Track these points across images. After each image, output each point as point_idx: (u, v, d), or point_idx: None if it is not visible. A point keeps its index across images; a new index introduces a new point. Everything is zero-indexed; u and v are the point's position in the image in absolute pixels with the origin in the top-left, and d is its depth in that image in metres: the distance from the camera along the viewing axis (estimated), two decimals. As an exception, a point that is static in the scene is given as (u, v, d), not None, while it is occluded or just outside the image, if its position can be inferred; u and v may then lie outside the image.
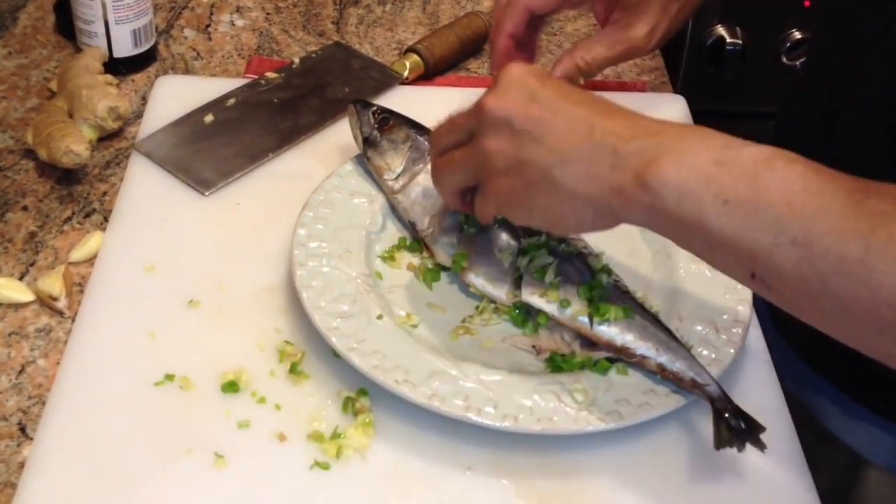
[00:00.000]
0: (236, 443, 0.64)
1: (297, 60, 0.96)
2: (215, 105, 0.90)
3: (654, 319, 0.68)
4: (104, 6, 0.91)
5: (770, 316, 0.80)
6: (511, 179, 0.60)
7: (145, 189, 0.82)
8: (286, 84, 0.93)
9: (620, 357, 0.67)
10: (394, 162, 0.78)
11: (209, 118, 0.88)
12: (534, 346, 0.70)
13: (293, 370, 0.68)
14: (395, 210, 0.79)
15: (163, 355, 0.69)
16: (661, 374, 0.66)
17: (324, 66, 0.96)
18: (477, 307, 0.73)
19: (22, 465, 0.63)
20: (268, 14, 1.05)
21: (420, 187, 0.77)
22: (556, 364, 0.68)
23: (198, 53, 1.00)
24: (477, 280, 0.72)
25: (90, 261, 0.77)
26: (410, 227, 0.77)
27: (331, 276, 0.71)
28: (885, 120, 0.68)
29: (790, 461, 0.65)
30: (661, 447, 0.65)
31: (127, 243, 0.77)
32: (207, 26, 1.03)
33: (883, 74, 0.68)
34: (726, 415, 0.63)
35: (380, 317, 0.69)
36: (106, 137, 0.88)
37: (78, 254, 0.78)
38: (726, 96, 1.20)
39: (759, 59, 1.15)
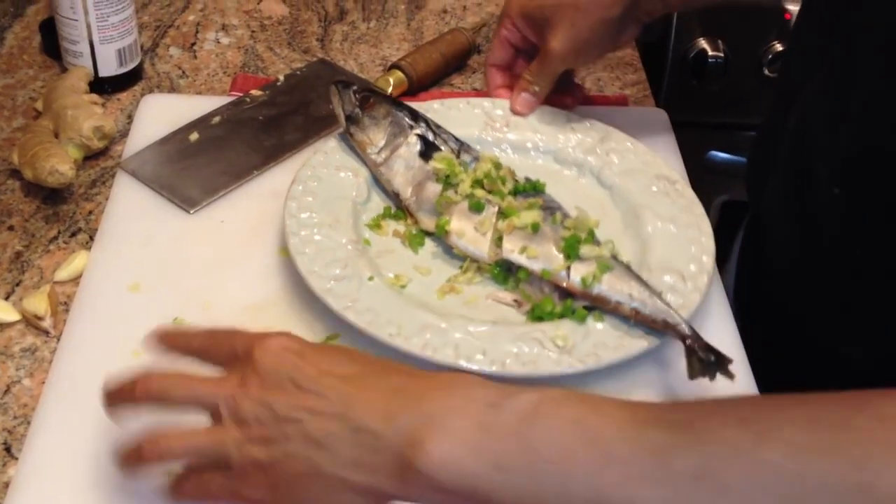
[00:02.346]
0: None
1: (281, 78, 0.97)
2: (200, 123, 0.90)
3: (627, 269, 0.72)
4: (89, 26, 0.92)
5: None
6: (276, 477, 0.53)
7: (130, 208, 0.82)
8: (271, 101, 0.94)
9: (597, 305, 0.71)
10: (376, 137, 0.82)
11: (194, 136, 0.89)
12: (515, 301, 0.74)
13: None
14: (378, 182, 0.82)
15: (147, 374, 0.69)
16: (635, 319, 0.70)
17: (308, 83, 0.96)
18: (461, 267, 0.77)
19: (7, 485, 0.64)
20: (253, 32, 1.06)
21: (402, 160, 0.81)
22: (537, 315, 0.72)
23: (183, 72, 1.00)
24: (460, 242, 0.76)
25: (76, 280, 0.77)
26: (394, 196, 0.81)
27: (322, 243, 0.75)
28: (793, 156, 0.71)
29: (747, 390, 0.70)
30: (637, 385, 0.70)
31: (112, 262, 0.77)
32: (193, 44, 1.04)
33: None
34: (697, 350, 0.67)
35: (371, 278, 0.73)
36: (92, 156, 0.89)
37: (63, 273, 0.78)
38: (710, 108, 1.21)
39: (742, 72, 1.17)
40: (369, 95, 0.84)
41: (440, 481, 0.49)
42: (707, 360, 0.67)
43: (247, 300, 0.75)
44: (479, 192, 0.77)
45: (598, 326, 0.71)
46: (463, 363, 0.68)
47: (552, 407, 0.49)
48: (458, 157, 0.82)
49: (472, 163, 0.82)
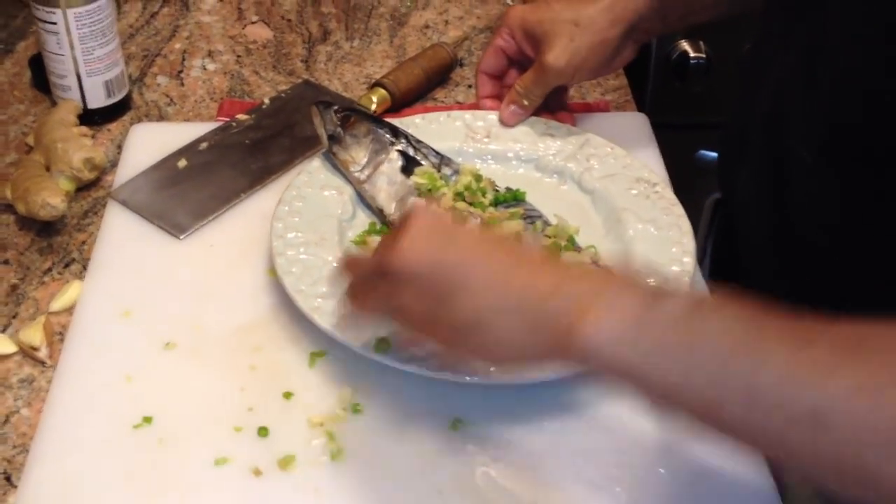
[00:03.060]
0: (213, 479, 0.66)
1: (267, 101, 0.98)
2: (188, 149, 0.92)
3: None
4: (75, 60, 0.94)
5: None
6: (435, 331, 0.59)
7: (122, 236, 0.84)
8: (257, 125, 0.95)
9: None
10: (358, 155, 0.84)
11: (182, 163, 0.91)
12: None
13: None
14: (362, 199, 0.84)
15: (140, 398, 0.71)
16: None
17: (293, 105, 0.98)
18: None
19: (7, 514, 0.65)
20: (238, 56, 1.08)
21: (384, 176, 0.83)
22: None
23: (171, 99, 1.02)
24: None
25: (70, 310, 0.79)
26: (378, 212, 0.83)
27: (309, 262, 0.77)
28: (766, 139, 0.72)
29: None
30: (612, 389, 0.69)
31: (104, 290, 0.79)
32: (180, 72, 1.06)
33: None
34: None
35: None
36: (83, 187, 0.91)
37: (58, 303, 0.80)
38: (694, 109, 1.22)
39: (724, 72, 1.18)
40: (350, 114, 0.86)
41: (599, 358, 0.52)
42: None
43: (237, 321, 0.76)
44: (461, 205, 0.79)
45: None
46: (448, 374, 0.69)
47: (714, 307, 0.51)
48: (438, 170, 0.83)
49: (453, 176, 0.83)
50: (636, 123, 0.95)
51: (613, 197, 0.83)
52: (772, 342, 0.48)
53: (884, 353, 0.47)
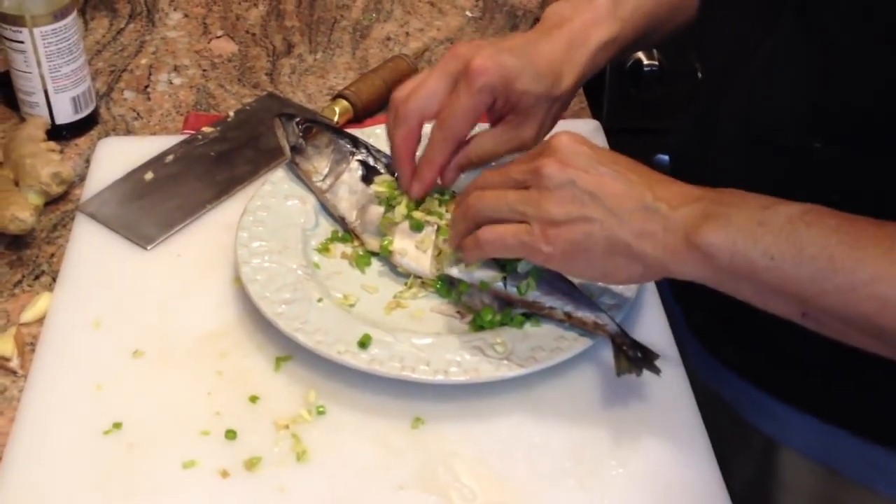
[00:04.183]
0: (181, 482, 0.68)
1: (232, 114, 1.01)
2: (155, 162, 0.94)
3: (559, 276, 0.76)
4: (42, 78, 0.96)
5: (683, 316, 0.85)
6: (571, 233, 0.66)
7: (90, 248, 0.86)
8: (222, 137, 0.98)
9: (533, 311, 0.76)
10: (320, 165, 0.86)
11: (149, 175, 0.93)
12: (458, 312, 0.79)
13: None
14: (325, 208, 0.87)
15: (110, 405, 0.73)
16: (569, 321, 0.75)
17: (257, 117, 1.00)
18: (406, 284, 0.81)
19: (-19, 520, 0.67)
20: (204, 70, 1.10)
21: (345, 185, 0.86)
22: (479, 324, 0.77)
23: (138, 114, 1.04)
24: (403, 260, 0.80)
25: (41, 321, 0.81)
26: (340, 221, 0.86)
27: (273, 269, 0.79)
28: (750, 135, 0.75)
29: (677, 383, 0.75)
30: (576, 382, 0.75)
31: (74, 301, 0.81)
32: (146, 87, 1.08)
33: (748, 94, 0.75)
34: (625, 347, 0.72)
35: (320, 300, 0.77)
36: (52, 201, 0.93)
37: (28, 315, 0.82)
38: (650, 115, 1.26)
39: (677, 78, 1.21)
40: (311, 126, 0.88)
41: (717, 260, 0.62)
42: (634, 357, 0.71)
43: (203, 328, 0.79)
44: (417, 214, 0.81)
45: (536, 331, 0.75)
46: (409, 374, 0.72)
47: (818, 217, 0.60)
48: (397, 178, 0.86)
49: (412, 183, 0.86)
50: (589, 130, 0.98)
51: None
52: (864, 245, 0.59)
53: None
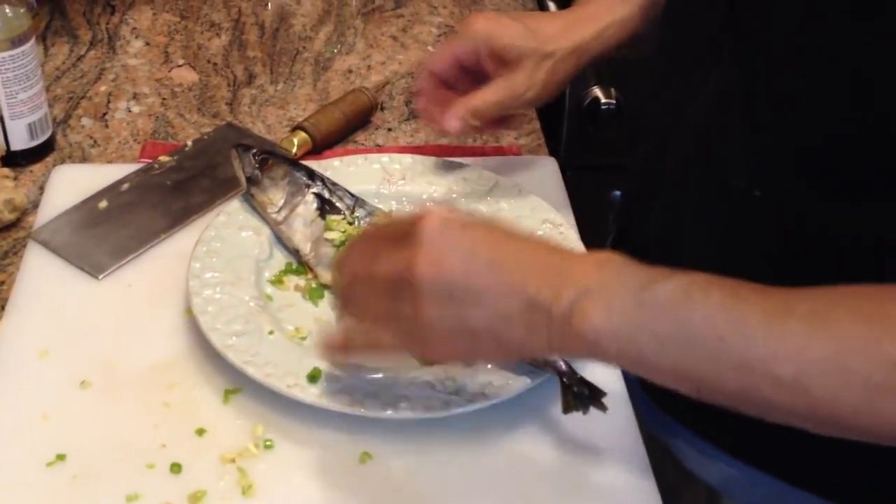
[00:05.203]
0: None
1: (189, 143, 1.01)
2: (110, 191, 0.94)
3: None
4: (-2, 103, 0.95)
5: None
6: (454, 342, 0.62)
7: (41, 277, 0.86)
8: (179, 166, 0.97)
9: None
10: (275, 196, 0.87)
11: (103, 204, 0.92)
12: None
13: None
14: (279, 239, 0.87)
15: (55, 436, 0.72)
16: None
17: (215, 147, 1.00)
18: None
19: (-82, 552, 0.66)
20: (164, 99, 1.10)
21: (300, 217, 0.86)
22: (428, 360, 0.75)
23: (95, 141, 1.04)
24: None
25: (-12, 349, 0.80)
26: (294, 253, 0.86)
27: (224, 301, 0.79)
28: (695, 176, 0.76)
29: (626, 419, 0.76)
30: (524, 418, 0.75)
31: (22, 330, 0.80)
32: (105, 114, 1.08)
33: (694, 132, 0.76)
34: (572, 385, 0.72)
35: (271, 332, 0.77)
36: (4, 228, 0.92)
37: (-25, 343, 0.81)
38: (607, 152, 1.27)
39: (634, 116, 1.23)
40: (268, 157, 0.88)
41: (605, 347, 0.58)
42: (581, 395, 0.71)
43: (152, 359, 0.78)
44: None
45: (486, 367, 0.75)
46: (357, 409, 0.72)
47: (702, 294, 0.57)
48: (353, 212, 0.86)
49: (367, 217, 0.86)
50: (545, 166, 0.99)
51: (521, 237, 0.86)
52: (753, 322, 0.55)
53: (848, 323, 0.55)
